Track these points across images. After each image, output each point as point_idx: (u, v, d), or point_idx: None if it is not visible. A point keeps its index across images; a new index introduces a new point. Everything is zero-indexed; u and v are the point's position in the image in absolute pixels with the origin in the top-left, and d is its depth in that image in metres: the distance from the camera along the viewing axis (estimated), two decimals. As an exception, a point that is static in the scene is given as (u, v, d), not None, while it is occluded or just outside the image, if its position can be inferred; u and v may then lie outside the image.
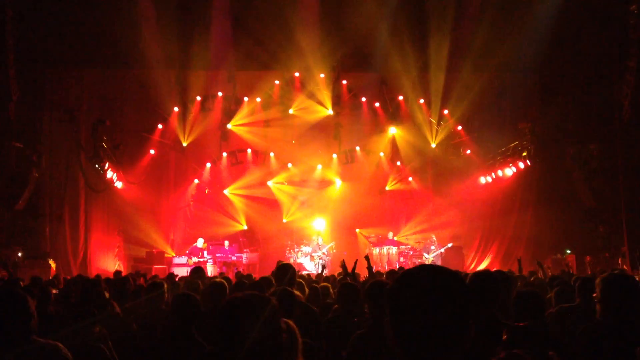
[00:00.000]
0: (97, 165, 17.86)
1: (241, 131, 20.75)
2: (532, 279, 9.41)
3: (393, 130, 21.24)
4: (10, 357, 3.08)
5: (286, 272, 5.41)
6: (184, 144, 20.33)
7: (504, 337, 3.71)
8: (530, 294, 4.49)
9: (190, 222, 21.14)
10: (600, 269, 14.35)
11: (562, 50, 18.51)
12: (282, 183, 21.24)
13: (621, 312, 3.73)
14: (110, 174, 18.44)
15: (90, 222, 19.69)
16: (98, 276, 10.03)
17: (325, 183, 21.54)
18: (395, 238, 20.89)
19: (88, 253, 19.37)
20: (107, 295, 5.68)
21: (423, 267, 1.88)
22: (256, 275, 11.84)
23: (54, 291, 7.51)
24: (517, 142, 19.93)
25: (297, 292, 5.60)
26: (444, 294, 1.78)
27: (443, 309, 1.76)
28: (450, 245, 19.73)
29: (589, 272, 15.23)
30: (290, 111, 20.55)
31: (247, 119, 20.58)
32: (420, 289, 1.80)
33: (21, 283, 7.70)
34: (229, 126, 20.62)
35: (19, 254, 16.82)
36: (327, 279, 9.92)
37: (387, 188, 21.74)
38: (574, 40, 18.23)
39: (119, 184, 19.31)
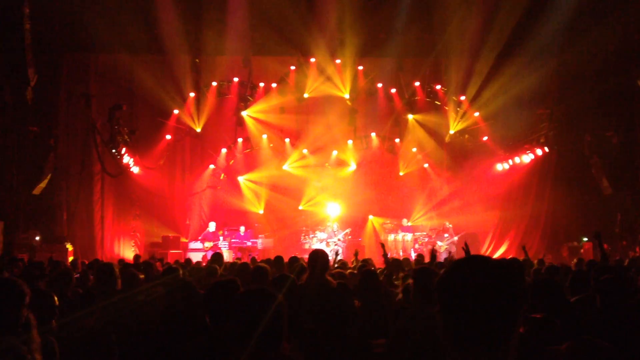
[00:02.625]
0: (113, 150, 17.94)
1: (256, 117, 20.73)
2: (543, 269, 9.31)
3: (409, 117, 21.13)
4: None
5: (315, 260, 5.46)
6: (198, 130, 20.33)
7: (521, 329, 3.68)
8: (547, 282, 4.45)
9: (206, 207, 21.21)
10: (618, 258, 14.23)
11: (582, 35, 18.25)
12: (298, 160, 21.18)
13: None
14: (126, 159, 18.52)
15: (107, 207, 19.78)
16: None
17: (340, 169, 21.50)
18: (410, 223, 20.88)
19: (104, 237, 19.49)
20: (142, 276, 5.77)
21: (473, 258, 1.88)
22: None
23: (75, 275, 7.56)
24: (534, 129, 19.79)
25: (329, 279, 5.66)
26: (494, 285, 1.77)
27: (493, 300, 1.75)
28: (463, 233, 19.67)
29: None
30: (306, 95, 20.47)
31: (262, 105, 20.55)
32: (472, 280, 1.79)
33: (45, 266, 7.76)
34: (244, 114, 20.61)
35: (37, 238, 16.96)
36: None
37: (400, 173, 21.67)
38: (594, 25, 17.98)
39: (135, 169, 19.39)
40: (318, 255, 5.50)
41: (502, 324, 1.76)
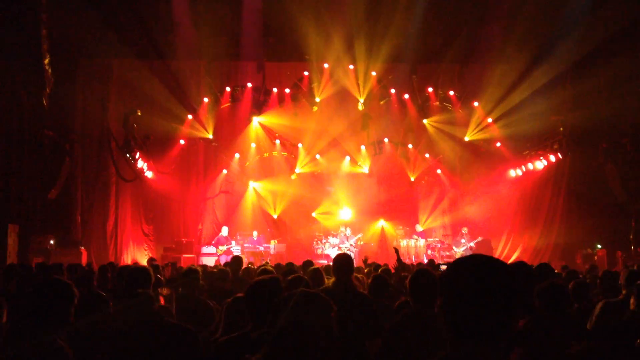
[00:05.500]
0: (128, 155, 18.08)
1: (270, 122, 20.82)
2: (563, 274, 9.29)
3: (424, 121, 21.10)
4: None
5: (341, 264, 5.49)
6: (210, 135, 20.42)
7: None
8: (554, 286, 4.47)
9: (219, 212, 21.30)
10: (631, 264, 14.11)
11: (595, 41, 18.17)
12: (311, 166, 21.24)
13: None
14: (140, 163, 18.64)
15: (121, 211, 19.91)
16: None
17: (353, 175, 21.52)
18: (422, 228, 20.87)
19: (118, 241, 19.60)
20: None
21: (475, 257, 2.00)
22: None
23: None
24: (548, 135, 19.72)
25: (357, 283, 5.69)
26: (494, 283, 1.90)
27: (492, 297, 1.88)
28: (480, 239, 19.63)
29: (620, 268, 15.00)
30: (318, 100, 20.49)
31: (276, 110, 20.63)
32: (473, 277, 1.92)
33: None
34: (257, 119, 20.68)
35: (52, 242, 17.09)
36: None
37: (412, 179, 21.64)
38: (608, 31, 17.90)
39: (149, 174, 19.51)
40: (343, 259, 5.52)
41: (500, 318, 1.88)
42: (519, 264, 3.97)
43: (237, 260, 8.35)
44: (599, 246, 18.80)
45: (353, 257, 13.79)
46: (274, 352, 2.38)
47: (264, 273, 6.17)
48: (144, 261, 17.16)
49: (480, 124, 20.52)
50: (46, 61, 16.18)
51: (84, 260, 16.49)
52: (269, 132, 21.04)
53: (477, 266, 1.94)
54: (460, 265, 1.98)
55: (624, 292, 5.54)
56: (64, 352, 3.33)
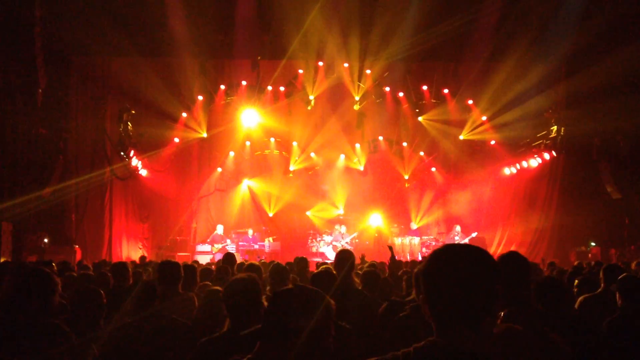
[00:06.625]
0: (122, 153, 18.02)
1: (264, 120, 20.77)
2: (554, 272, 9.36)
3: (419, 119, 21.10)
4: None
5: (344, 260, 5.55)
6: (205, 134, 20.37)
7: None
8: (552, 281, 4.51)
9: (214, 210, 21.27)
10: (626, 261, 14.14)
11: (590, 38, 18.19)
12: (306, 164, 21.22)
13: None
14: (135, 161, 18.59)
15: (115, 209, 19.85)
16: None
17: (347, 173, 21.52)
18: (416, 225, 20.87)
19: (113, 240, 19.55)
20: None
21: (451, 246, 2.04)
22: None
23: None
24: (542, 133, 19.74)
25: (356, 280, 5.77)
26: (474, 270, 1.94)
27: (473, 284, 1.92)
28: (474, 234, 19.65)
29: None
30: (311, 97, 20.40)
31: (270, 108, 20.59)
32: (454, 265, 1.96)
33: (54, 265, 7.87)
34: (252, 117, 20.62)
35: (45, 240, 17.03)
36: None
37: (406, 177, 21.64)
38: (603, 28, 17.91)
39: (143, 172, 19.46)
40: (346, 256, 5.59)
41: (481, 304, 1.92)
42: (512, 254, 3.97)
43: (230, 257, 8.32)
44: (593, 244, 18.85)
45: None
46: (266, 353, 2.26)
47: (250, 268, 6.17)
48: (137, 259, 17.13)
49: (475, 122, 20.53)
50: (40, 59, 16.10)
51: (77, 259, 16.44)
52: (263, 130, 20.99)
53: (456, 255, 1.98)
54: (439, 256, 2.01)
55: (602, 286, 5.83)
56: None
